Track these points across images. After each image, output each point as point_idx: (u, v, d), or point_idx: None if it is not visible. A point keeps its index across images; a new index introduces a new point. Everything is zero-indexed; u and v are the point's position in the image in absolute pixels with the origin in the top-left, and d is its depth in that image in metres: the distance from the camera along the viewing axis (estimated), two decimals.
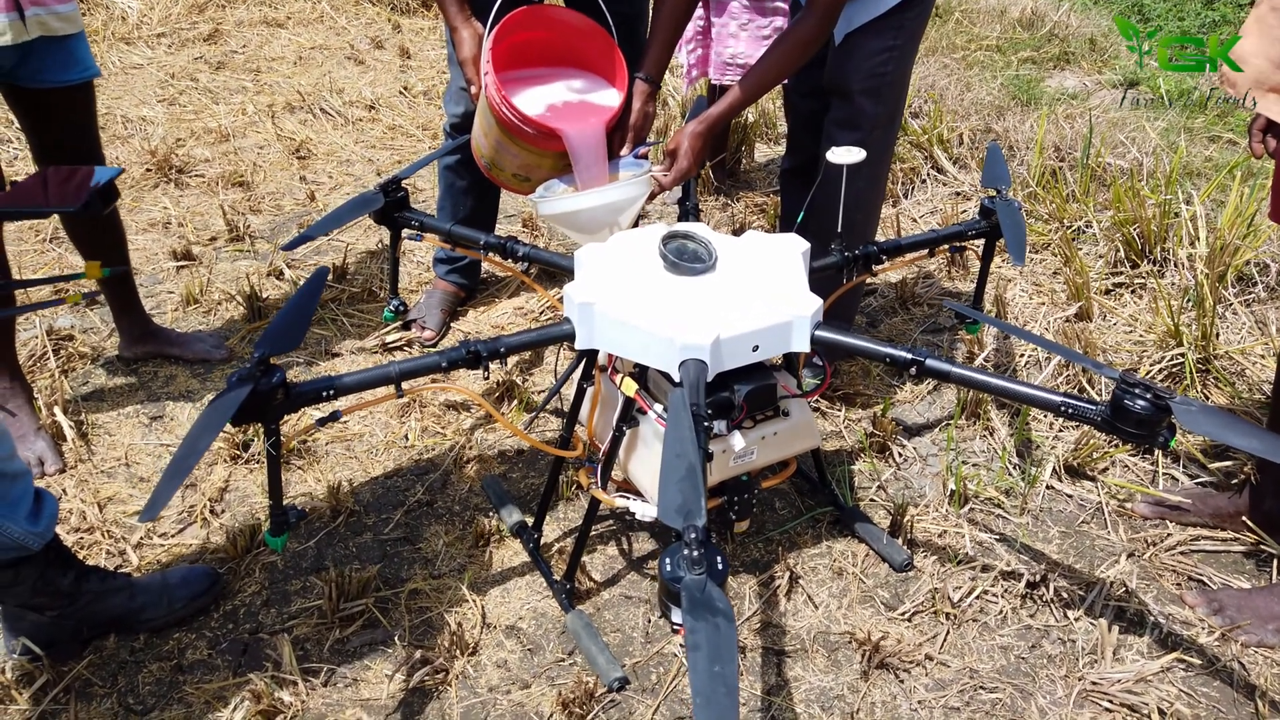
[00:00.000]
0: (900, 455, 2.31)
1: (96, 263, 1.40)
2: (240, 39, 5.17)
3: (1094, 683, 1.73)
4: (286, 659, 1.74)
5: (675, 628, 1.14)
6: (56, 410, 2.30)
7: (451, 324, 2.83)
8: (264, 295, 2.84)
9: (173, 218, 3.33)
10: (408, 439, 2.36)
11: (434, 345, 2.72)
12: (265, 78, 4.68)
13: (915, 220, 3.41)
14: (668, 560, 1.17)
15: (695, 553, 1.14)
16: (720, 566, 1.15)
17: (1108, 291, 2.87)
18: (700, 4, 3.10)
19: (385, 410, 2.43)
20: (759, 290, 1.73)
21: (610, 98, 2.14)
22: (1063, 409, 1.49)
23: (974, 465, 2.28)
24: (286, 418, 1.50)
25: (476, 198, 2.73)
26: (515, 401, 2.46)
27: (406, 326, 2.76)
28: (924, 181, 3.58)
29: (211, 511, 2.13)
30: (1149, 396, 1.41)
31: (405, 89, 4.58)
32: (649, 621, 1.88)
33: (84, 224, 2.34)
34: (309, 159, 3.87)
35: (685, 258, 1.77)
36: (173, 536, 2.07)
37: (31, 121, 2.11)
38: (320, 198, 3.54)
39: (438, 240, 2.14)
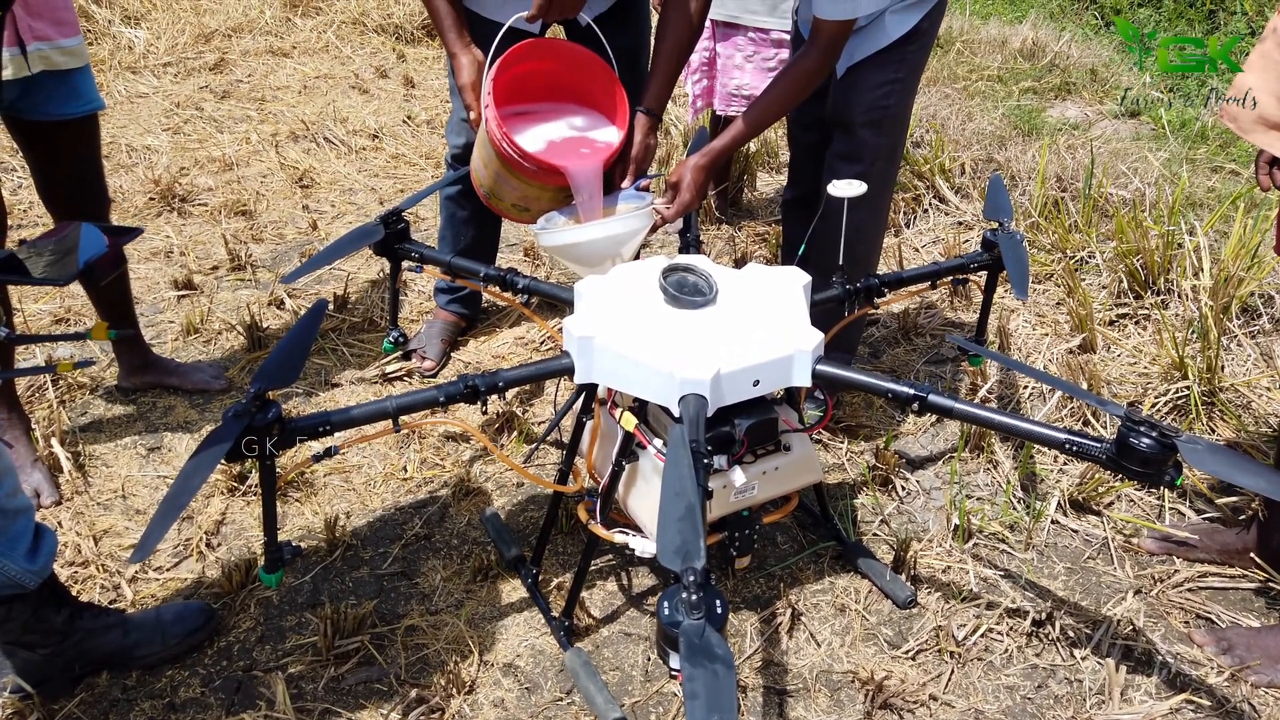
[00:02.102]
0: (903, 489, 2.28)
1: (104, 324, 1.39)
2: (246, 68, 5.20)
3: None
4: (280, 698, 1.71)
5: (674, 673, 1.12)
6: (54, 442, 2.28)
7: (452, 354, 2.82)
8: (264, 325, 2.83)
9: (175, 246, 3.34)
10: (406, 471, 2.35)
11: (434, 375, 2.71)
12: (270, 107, 4.70)
13: (918, 250, 3.40)
14: (665, 604, 1.15)
15: (694, 596, 1.12)
16: (719, 610, 1.13)
17: (1111, 323, 2.86)
18: (707, 35, 3.11)
19: (384, 442, 2.42)
20: (760, 324, 1.72)
21: (610, 134, 2.14)
22: (1068, 446, 1.47)
23: (978, 499, 2.25)
24: (283, 451, 1.48)
25: (478, 228, 2.72)
26: (515, 433, 2.44)
27: (407, 356, 2.76)
28: (926, 211, 3.58)
29: (208, 545, 2.11)
30: (1154, 435, 1.40)
31: (409, 118, 4.60)
32: (648, 660, 1.85)
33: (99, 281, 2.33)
34: (312, 188, 3.88)
35: (686, 291, 1.76)
36: (168, 570, 2.05)
37: (35, 154, 2.11)
38: (323, 226, 3.55)
39: (438, 272, 2.14)
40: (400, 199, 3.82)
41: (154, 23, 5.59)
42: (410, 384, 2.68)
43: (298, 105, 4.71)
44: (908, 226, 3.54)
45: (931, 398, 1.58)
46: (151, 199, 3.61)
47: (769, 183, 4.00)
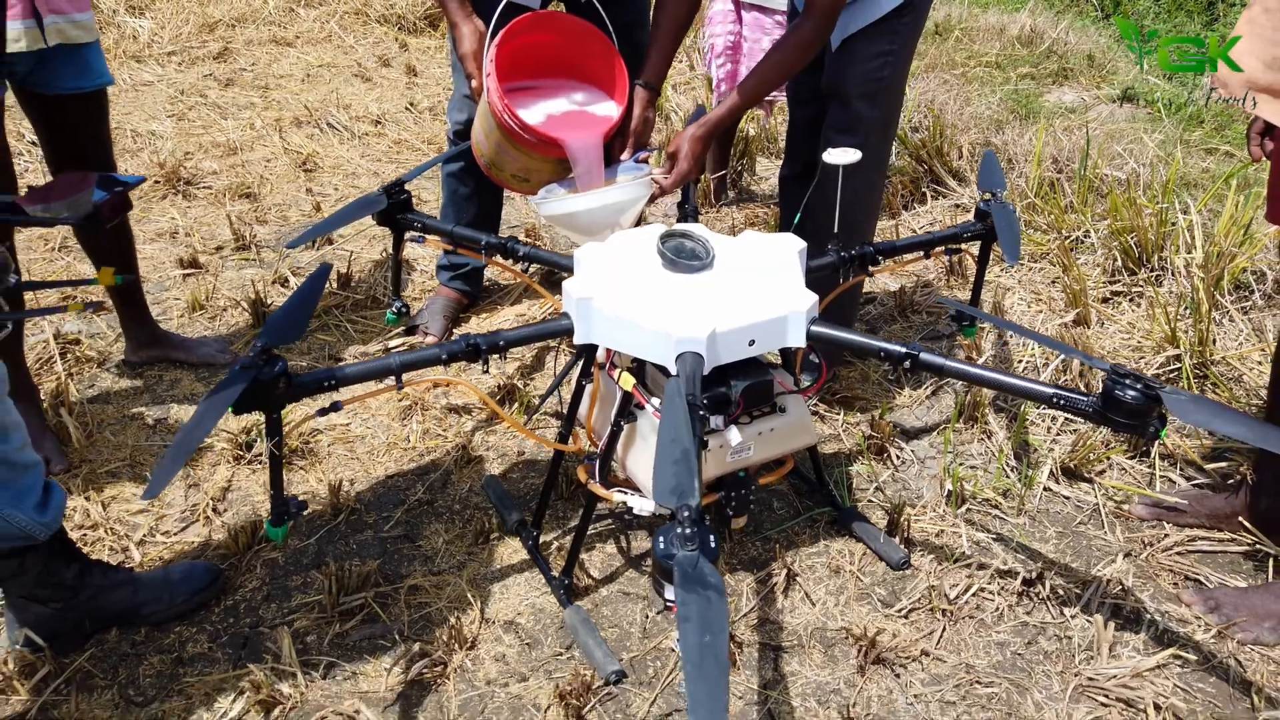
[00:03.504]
0: (898, 457, 2.32)
1: (110, 269, 1.43)
2: (250, 57, 5.24)
3: (1090, 678, 1.74)
4: (286, 651, 1.75)
5: (668, 604, 1.15)
6: (63, 411, 2.32)
7: (454, 330, 2.86)
8: (269, 302, 2.87)
9: (180, 228, 3.37)
10: (409, 440, 2.38)
11: None
12: (273, 94, 4.74)
13: (915, 231, 3.43)
14: (661, 538, 1.19)
15: (688, 530, 1.16)
16: (712, 545, 1.17)
17: (1105, 300, 2.89)
18: (733, 19, 3.14)
19: (387, 413, 2.46)
20: (755, 287, 1.75)
21: (609, 109, 2.18)
22: (1054, 400, 1.51)
23: (971, 467, 2.29)
24: (289, 409, 1.52)
25: (479, 204, 2.76)
26: (516, 404, 2.48)
27: (410, 332, 2.79)
28: (924, 194, 3.62)
29: (214, 510, 2.15)
30: (1139, 387, 1.43)
31: (411, 105, 4.64)
32: (646, 617, 1.88)
33: (95, 232, 2.37)
34: (315, 172, 3.92)
35: (683, 255, 1.80)
36: (175, 534, 2.09)
37: (45, 128, 2.15)
38: (326, 208, 3.59)
39: (439, 243, 2.17)
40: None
41: (158, 12, 5.62)
42: None
43: (301, 93, 4.75)
44: (905, 209, 3.57)
45: (923, 355, 1.62)
46: (157, 182, 3.65)
47: (768, 168, 4.04)
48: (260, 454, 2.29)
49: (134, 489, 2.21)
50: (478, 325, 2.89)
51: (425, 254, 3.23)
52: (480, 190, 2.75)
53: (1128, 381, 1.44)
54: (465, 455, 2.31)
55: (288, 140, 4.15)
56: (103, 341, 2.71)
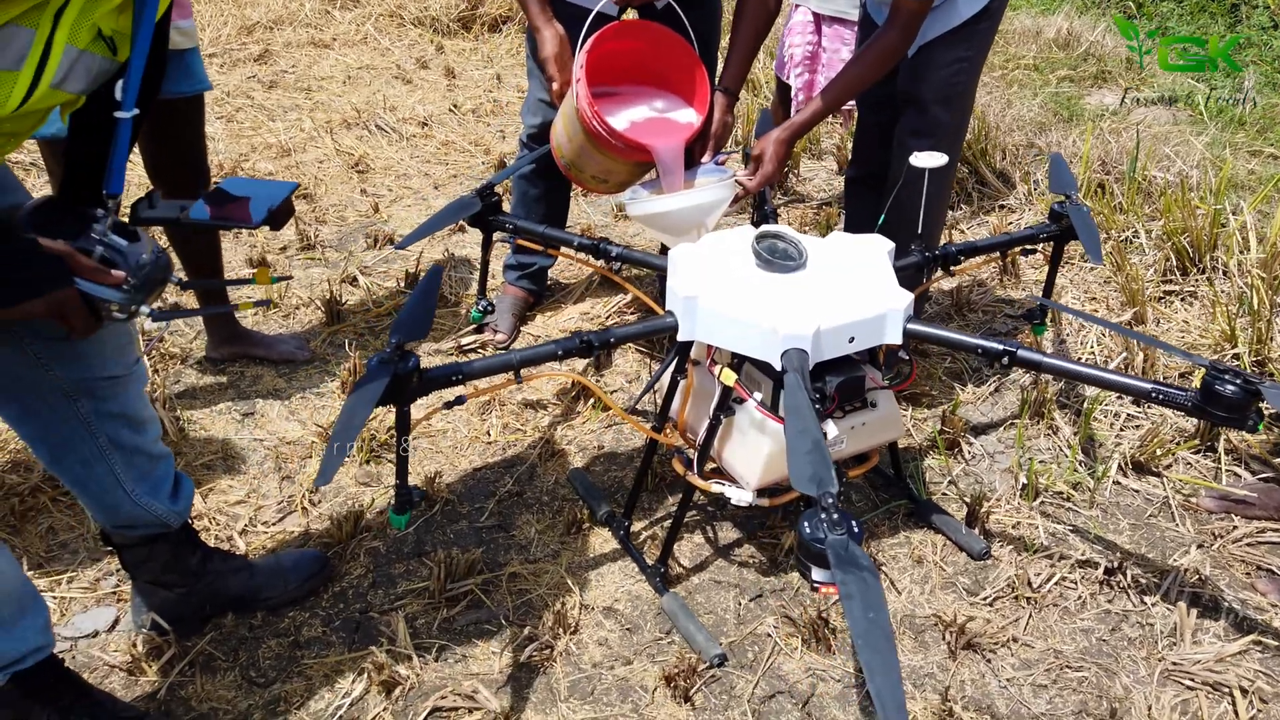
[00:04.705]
0: (968, 452, 2.38)
1: (266, 269, 1.50)
2: (290, 59, 5.31)
3: (1175, 663, 1.80)
4: (401, 635, 1.82)
5: (815, 585, 1.22)
6: (158, 406, 2.40)
7: (521, 328, 2.93)
8: (343, 300, 2.94)
9: (245, 229, 3.44)
10: (489, 435, 2.45)
11: (505, 348, 2.82)
12: (317, 96, 4.82)
13: (964, 233, 3.50)
14: (806, 524, 1.26)
15: (835, 515, 1.23)
16: (857, 529, 1.24)
17: (1159, 299, 2.95)
18: (811, 29, 3.21)
19: (466, 409, 2.52)
20: (852, 286, 1.82)
21: (689, 115, 2.25)
22: (1154, 395, 1.58)
23: (1041, 461, 2.35)
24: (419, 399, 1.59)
25: (548, 205, 2.83)
26: (591, 401, 2.55)
27: (479, 330, 2.86)
28: (970, 195, 3.68)
29: (310, 502, 2.22)
30: (1239, 382, 1.50)
31: (455, 106, 4.71)
32: (739, 604, 1.95)
33: (189, 237, 2.45)
34: (368, 173, 3.99)
35: (778, 255, 1.87)
36: (274, 524, 2.16)
37: (149, 131, 2.22)
38: (383, 209, 3.66)
39: (529, 242, 2.24)
40: (452, 184, 3.93)
41: (198, 15, 5.69)
42: (485, 354, 2.79)
43: (344, 95, 4.82)
44: (953, 210, 3.63)
45: (1021, 352, 1.69)
46: (216, 183, 3.71)
47: (812, 168, 4.10)
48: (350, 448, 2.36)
49: (229, 481, 2.28)
50: (544, 322, 2.96)
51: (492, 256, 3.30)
52: (549, 192, 2.82)
53: (1227, 377, 1.51)
54: (549, 449, 2.38)
55: (339, 142, 4.22)
56: (184, 339, 2.79)
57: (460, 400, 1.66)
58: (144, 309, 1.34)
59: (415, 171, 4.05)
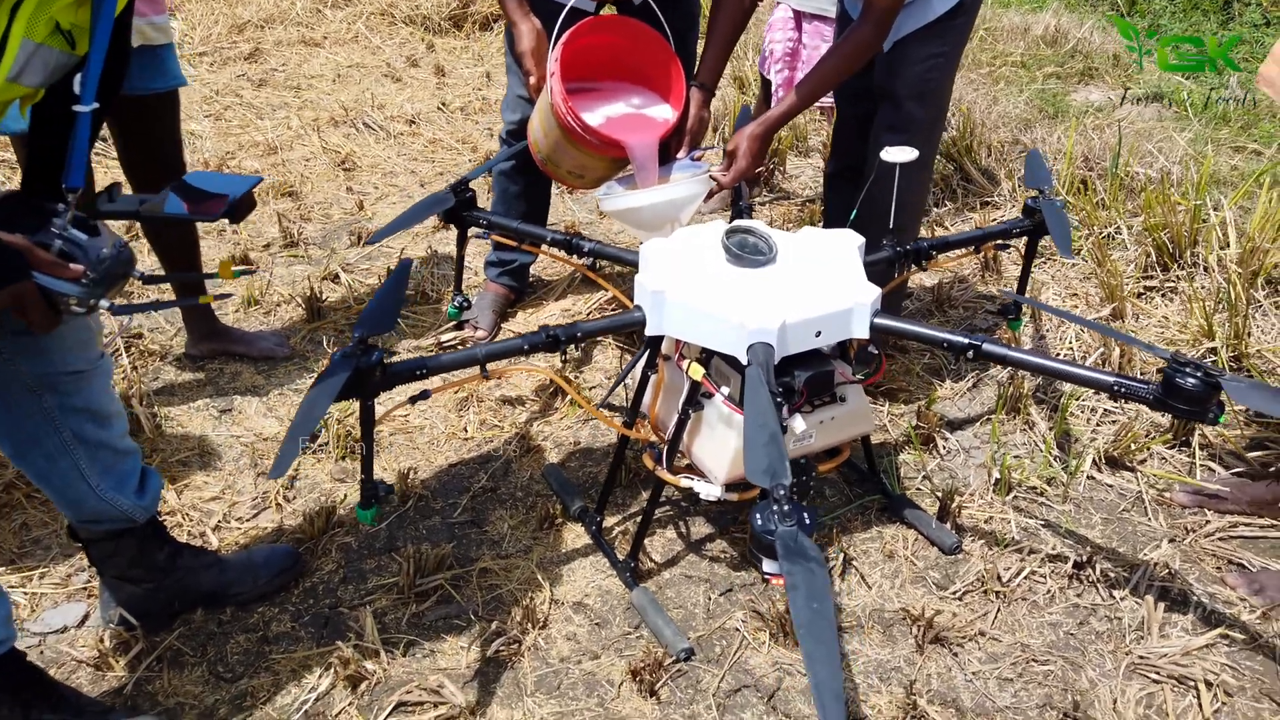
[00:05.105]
0: (944, 447, 2.39)
1: (228, 263, 1.50)
2: (280, 57, 5.32)
3: (1141, 656, 1.80)
4: (369, 630, 1.82)
5: (766, 576, 1.23)
6: (134, 403, 2.40)
7: (502, 324, 2.93)
8: (324, 297, 2.95)
9: (228, 225, 3.45)
10: (467, 431, 2.46)
11: None
12: (306, 94, 4.82)
13: (947, 229, 3.50)
14: (758, 515, 1.26)
15: (785, 507, 1.23)
16: (808, 520, 1.24)
17: (1139, 295, 2.95)
18: (791, 26, 3.21)
19: (444, 404, 2.53)
20: (819, 280, 1.82)
21: (665, 112, 2.25)
22: (1116, 388, 1.58)
23: (1016, 456, 2.35)
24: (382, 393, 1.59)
25: (529, 202, 2.83)
26: (568, 397, 2.55)
27: (459, 327, 2.87)
28: (954, 191, 3.68)
29: (284, 498, 2.22)
30: (1200, 374, 1.50)
31: (443, 105, 4.71)
32: (709, 599, 1.96)
33: (160, 231, 2.45)
34: (354, 171, 3.99)
35: (747, 250, 1.87)
36: (248, 520, 2.17)
37: (121, 127, 2.23)
38: (368, 206, 3.66)
39: (504, 238, 2.25)
40: (438, 181, 3.93)
41: (189, 14, 5.70)
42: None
43: (333, 93, 4.82)
44: (937, 206, 3.63)
45: (986, 346, 1.69)
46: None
47: (798, 165, 4.10)
48: (325, 444, 2.37)
49: (205, 477, 2.28)
50: (524, 319, 2.97)
51: (473, 251, 3.30)
52: (530, 188, 2.82)
53: (1188, 369, 1.51)
54: (524, 445, 2.38)
55: (326, 140, 4.23)
56: (163, 336, 2.79)
57: (425, 395, 1.67)
58: (104, 303, 1.34)
59: (402, 169, 4.05)
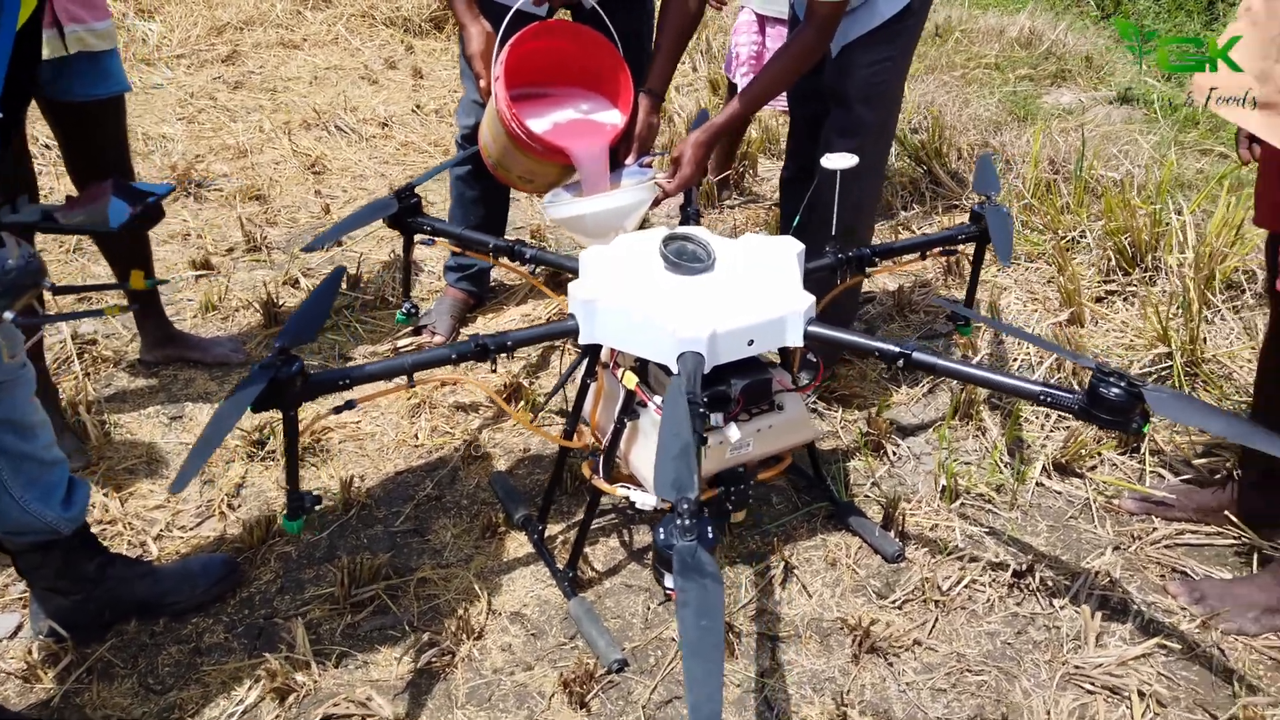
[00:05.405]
0: (894, 453, 2.37)
1: (140, 272, 1.49)
2: (258, 60, 5.30)
3: (1076, 666, 1.79)
4: (300, 641, 1.81)
5: (668, 592, 1.21)
6: (81, 410, 2.39)
7: (461, 329, 2.92)
8: (281, 303, 2.93)
9: (192, 229, 3.44)
10: (418, 438, 2.44)
11: None
12: (281, 97, 4.80)
13: (914, 232, 3.48)
14: (661, 529, 1.25)
15: (687, 521, 1.22)
16: (710, 536, 1.23)
17: (1099, 299, 2.94)
18: (755, 29, 3.20)
19: (397, 411, 2.52)
20: (755, 288, 1.81)
21: (613, 117, 2.24)
22: (1041, 397, 1.57)
23: (965, 463, 2.34)
24: (305, 408, 1.58)
25: (486, 207, 2.83)
26: (522, 402, 2.54)
27: (417, 332, 2.86)
28: (923, 195, 3.67)
29: (229, 506, 2.21)
30: (1123, 385, 1.49)
31: (418, 107, 4.70)
32: (648, 609, 1.94)
33: (113, 236, 2.44)
34: (324, 174, 3.98)
35: (685, 258, 1.86)
36: (191, 529, 2.16)
37: (64, 133, 2.21)
38: (335, 210, 3.65)
39: (449, 245, 2.23)
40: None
41: (167, 16, 5.68)
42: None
43: (309, 95, 4.81)
44: (905, 210, 3.62)
45: (915, 355, 1.68)
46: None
47: (770, 169, 4.09)
48: (273, 451, 2.36)
49: (151, 485, 2.27)
50: (484, 325, 2.96)
51: (433, 255, 3.29)
52: (487, 193, 2.81)
53: (1112, 379, 1.50)
54: (472, 452, 2.37)
55: (296, 143, 4.22)
56: (118, 341, 2.78)
57: (350, 404, 1.66)
58: (7, 314, 1.33)
59: (372, 173, 4.04)
